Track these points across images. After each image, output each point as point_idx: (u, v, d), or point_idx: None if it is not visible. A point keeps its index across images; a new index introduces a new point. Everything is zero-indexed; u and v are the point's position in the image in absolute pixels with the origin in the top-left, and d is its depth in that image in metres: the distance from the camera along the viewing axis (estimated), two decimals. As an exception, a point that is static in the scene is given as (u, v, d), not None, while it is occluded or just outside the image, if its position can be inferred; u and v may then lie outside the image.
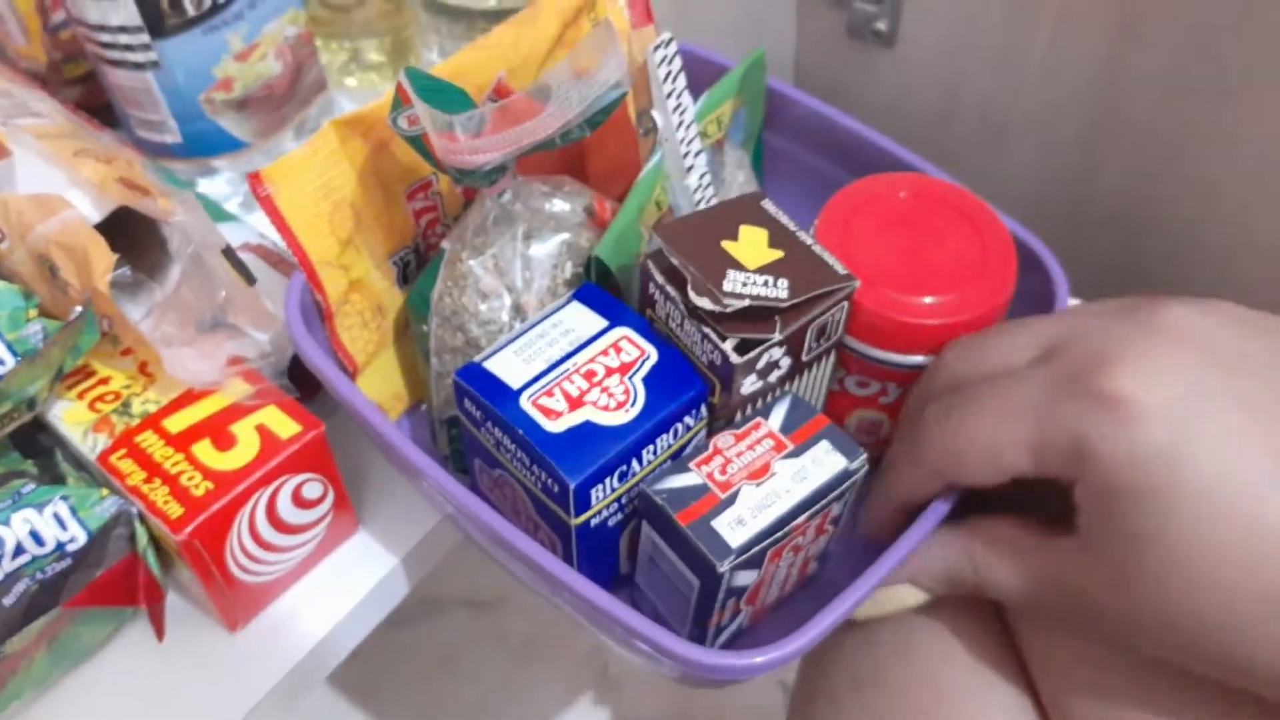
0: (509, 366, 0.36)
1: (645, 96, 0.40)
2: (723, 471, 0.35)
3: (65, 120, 0.49)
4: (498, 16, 0.57)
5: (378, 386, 0.44)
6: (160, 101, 0.54)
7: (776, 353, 0.35)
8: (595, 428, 0.34)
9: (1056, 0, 0.49)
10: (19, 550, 0.38)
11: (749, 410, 0.37)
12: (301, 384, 0.45)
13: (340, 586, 0.44)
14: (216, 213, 0.51)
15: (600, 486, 0.34)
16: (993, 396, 0.33)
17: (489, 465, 0.38)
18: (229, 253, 0.42)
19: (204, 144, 0.56)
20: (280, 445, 0.40)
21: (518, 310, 0.39)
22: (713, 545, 0.33)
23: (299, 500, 0.41)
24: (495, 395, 0.35)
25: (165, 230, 0.43)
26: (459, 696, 0.96)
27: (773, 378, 0.36)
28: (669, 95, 0.38)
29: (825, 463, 0.35)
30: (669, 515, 0.34)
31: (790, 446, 0.35)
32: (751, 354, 0.34)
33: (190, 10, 0.51)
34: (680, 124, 0.38)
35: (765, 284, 0.35)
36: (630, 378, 0.36)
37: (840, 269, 0.36)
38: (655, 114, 0.39)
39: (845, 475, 0.35)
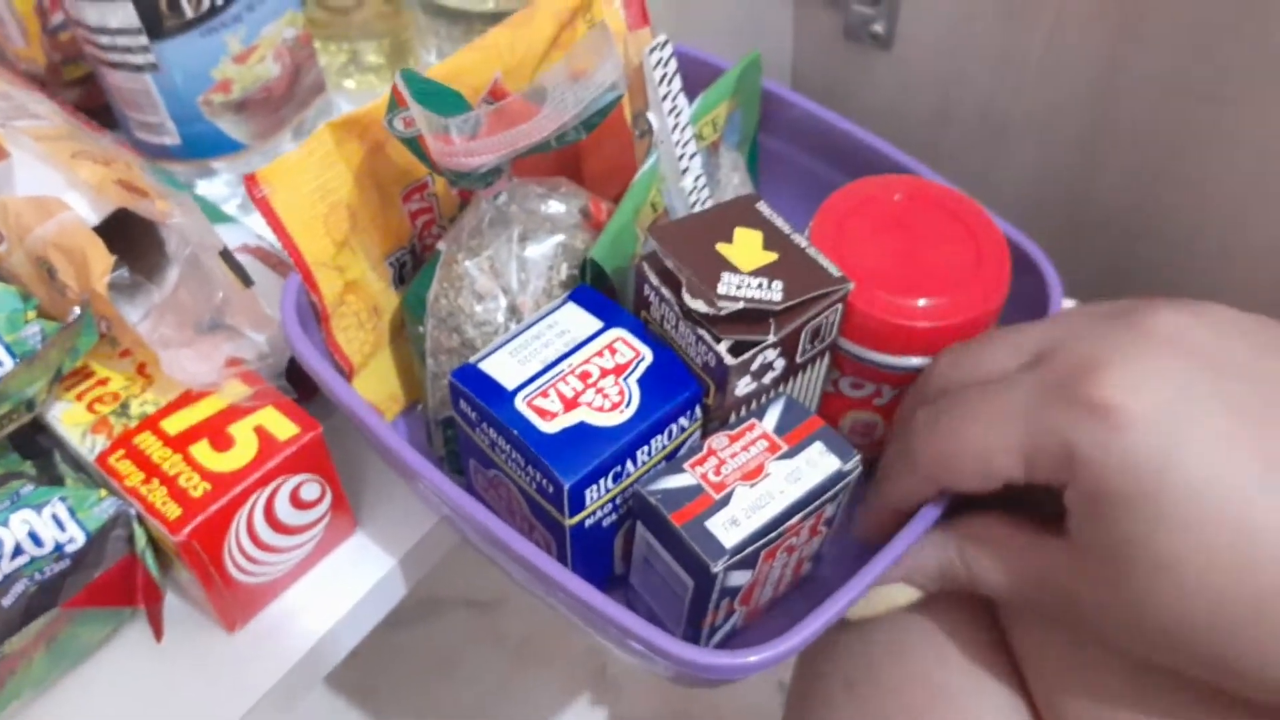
0: (504, 367, 0.36)
1: (641, 99, 0.40)
2: (717, 472, 0.35)
3: (64, 122, 0.49)
4: (496, 19, 0.57)
5: (374, 387, 0.44)
6: (159, 103, 0.54)
7: (771, 354, 0.35)
8: (590, 428, 0.34)
9: (1053, 3, 0.49)
10: (18, 551, 0.38)
11: (743, 411, 0.37)
12: (299, 385, 0.45)
13: (338, 587, 0.44)
14: (215, 214, 0.51)
15: (595, 487, 0.34)
16: (983, 402, 0.33)
17: (484, 466, 0.38)
18: (226, 255, 0.42)
19: (202, 146, 0.56)
20: (278, 446, 0.40)
21: (513, 312, 0.39)
22: (707, 545, 0.33)
23: (297, 501, 0.41)
24: (490, 396, 0.35)
25: (163, 232, 0.43)
26: (457, 697, 0.96)
27: (767, 379, 0.36)
28: (664, 97, 0.38)
29: (819, 464, 0.35)
30: (663, 515, 0.34)
31: (784, 448, 0.35)
32: (746, 356, 0.35)
33: (189, 12, 0.51)
34: (676, 126, 0.39)
35: (760, 286, 0.35)
36: (625, 379, 0.36)
37: (835, 271, 0.36)
38: (651, 116, 0.39)
39: (839, 476, 0.35)
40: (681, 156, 0.39)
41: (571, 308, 0.38)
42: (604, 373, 0.36)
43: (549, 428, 0.34)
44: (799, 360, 0.37)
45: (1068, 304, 0.42)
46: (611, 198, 0.42)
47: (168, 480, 0.39)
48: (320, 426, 0.41)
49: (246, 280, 0.42)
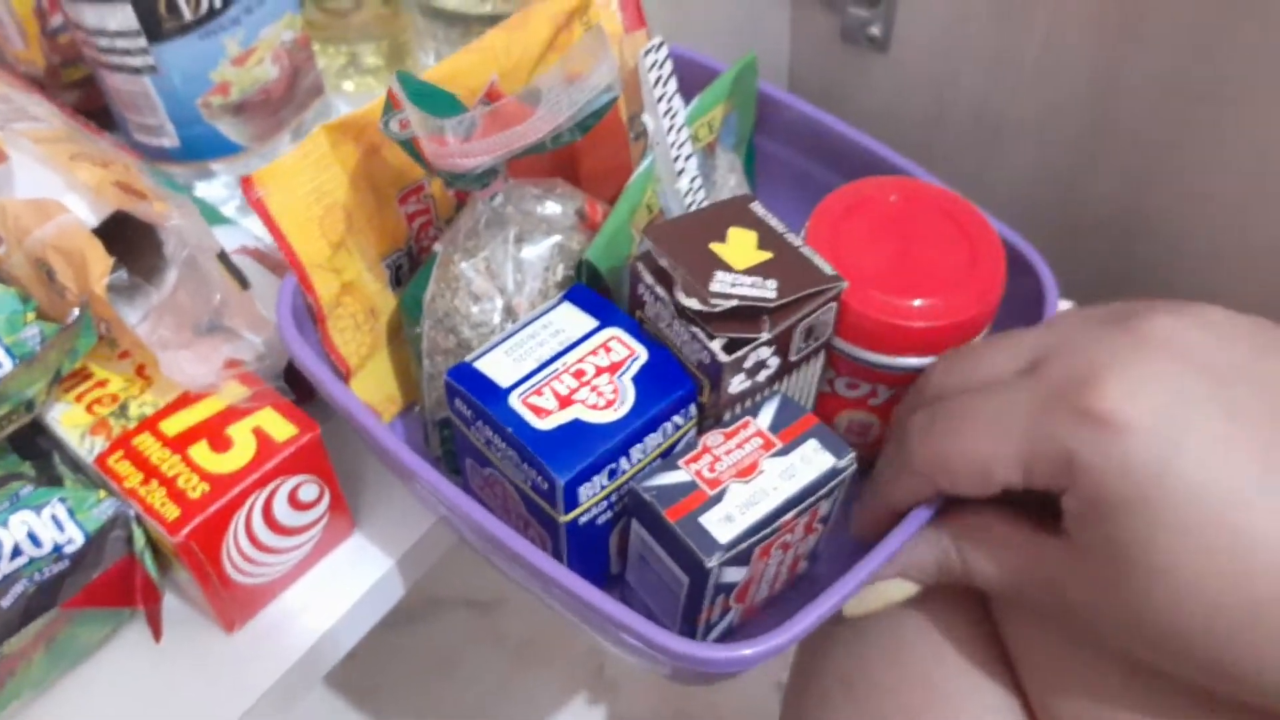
0: (499, 366, 0.36)
1: (637, 101, 0.40)
2: (711, 469, 0.35)
3: (62, 124, 0.49)
4: (493, 21, 0.57)
5: (371, 389, 0.44)
6: (157, 105, 0.54)
7: (764, 352, 0.36)
8: (584, 426, 0.35)
9: (1049, 4, 0.49)
10: (17, 552, 0.38)
11: (738, 409, 0.37)
12: (297, 387, 0.46)
13: (336, 588, 0.44)
14: (213, 216, 0.52)
15: (589, 484, 0.35)
16: (981, 408, 0.33)
17: (480, 464, 0.38)
18: (224, 257, 0.42)
19: (201, 148, 0.56)
20: (276, 448, 0.40)
21: (509, 312, 0.39)
22: (701, 541, 0.33)
23: (295, 502, 0.41)
24: (485, 394, 0.35)
25: (161, 234, 0.43)
26: (456, 697, 0.96)
27: (761, 377, 0.37)
28: (660, 99, 0.38)
29: (813, 461, 0.35)
30: (657, 512, 0.34)
31: (779, 445, 0.36)
32: (739, 353, 0.35)
33: (187, 15, 0.51)
34: (671, 128, 0.39)
35: (753, 284, 0.35)
36: (619, 377, 0.36)
37: (828, 269, 0.36)
38: (646, 118, 0.39)
39: (833, 473, 0.35)
40: (677, 158, 0.39)
41: (567, 307, 0.38)
42: (598, 371, 0.36)
43: (543, 425, 0.35)
44: (793, 359, 0.37)
45: (1064, 306, 0.42)
46: (607, 199, 0.42)
47: (166, 481, 0.39)
48: (318, 428, 0.41)
49: (244, 282, 0.43)
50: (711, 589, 0.34)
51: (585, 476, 0.34)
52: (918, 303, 0.38)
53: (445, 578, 1.02)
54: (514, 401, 0.35)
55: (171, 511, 0.38)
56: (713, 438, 0.36)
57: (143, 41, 0.51)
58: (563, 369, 0.36)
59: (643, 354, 0.37)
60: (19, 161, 0.45)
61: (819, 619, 0.33)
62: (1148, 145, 0.50)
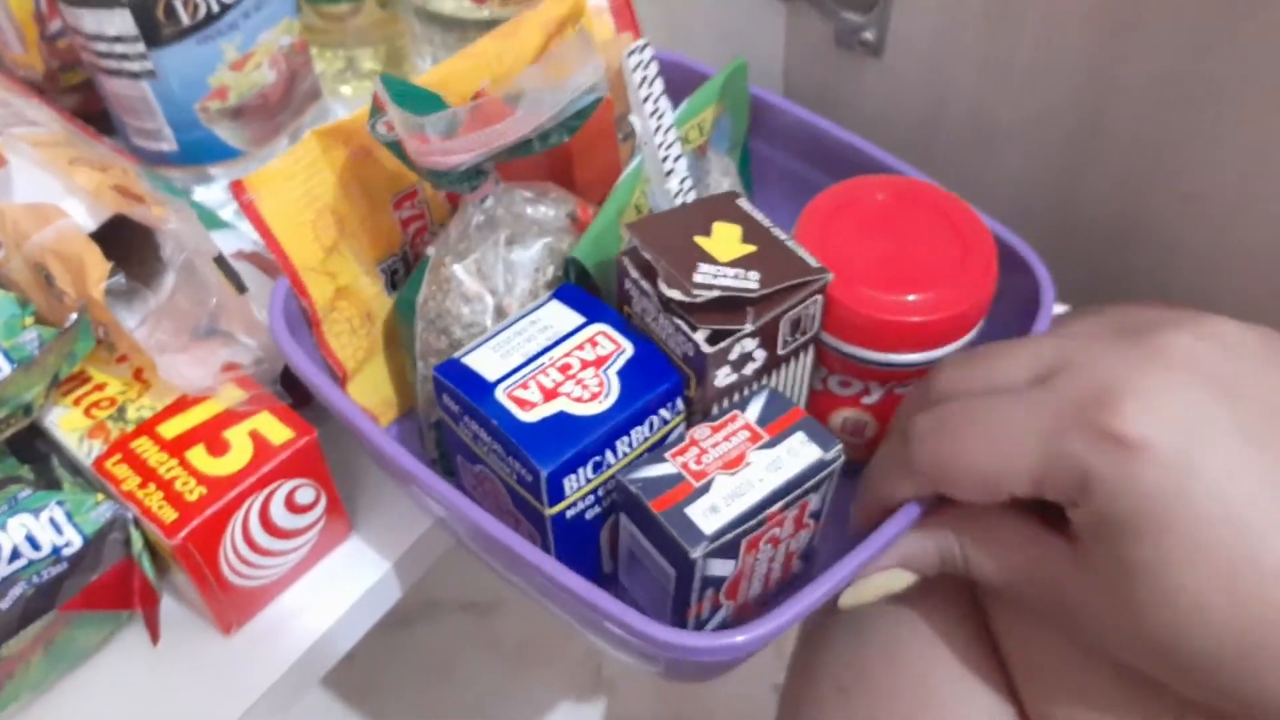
0: (486, 361, 0.37)
1: (625, 103, 0.40)
2: (698, 461, 0.35)
3: (61, 129, 0.49)
4: (490, 26, 0.58)
5: (369, 393, 0.44)
6: (156, 110, 0.54)
7: (749, 344, 0.36)
8: (569, 418, 0.35)
9: (1042, 7, 0.49)
10: (15, 554, 0.38)
11: (726, 404, 0.37)
12: (294, 390, 0.46)
13: (334, 590, 0.44)
14: (211, 220, 0.52)
15: (574, 476, 0.35)
16: (992, 418, 0.32)
17: (470, 461, 0.39)
18: (220, 261, 0.43)
19: (200, 152, 0.57)
20: (273, 451, 0.40)
21: (500, 313, 0.39)
22: (686, 532, 0.33)
23: (292, 505, 0.42)
24: (471, 388, 0.36)
25: (159, 238, 0.43)
26: (453, 699, 0.97)
27: (748, 370, 0.37)
28: (646, 100, 0.38)
29: (800, 453, 0.35)
30: (643, 503, 0.34)
31: (766, 437, 0.36)
32: (723, 344, 0.35)
33: (185, 20, 0.51)
34: (658, 128, 0.39)
35: (736, 276, 0.35)
36: (605, 370, 0.36)
37: (813, 262, 0.36)
38: (633, 119, 0.39)
39: (820, 465, 0.35)
40: (665, 159, 0.40)
41: (555, 305, 0.38)
42: (584, 365, 0.36)
43: (528, 417, 0.35)
44: (781, 353, 0.37)
45: (1059, 309, 0.42)
46: (602, 204, 0.42)
47: (164, 484, 0.39)
48: (315, 431, 0.41)
49: (240, 286, 0.43)
50: (699, 581, 0.34)
51: (569, 468, 0.34)
52: (908, 298, 0.38)
53: (442, 580, 1.02)
54: (499, 395, 0.35)
55: (169, 514, 0.38)
56: (700, 431, 0.36)
57: (141, 46, 0.51)
58: (549, 363, 0.36)
59: (629, 348, 0.37)
60: (18, 166, 0.45)
61: (810, 606, 0.33)
62: (1143, 147, 0.50)
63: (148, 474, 0.40)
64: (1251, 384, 0.30)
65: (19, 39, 0.59)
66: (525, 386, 0.36)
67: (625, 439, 0.36)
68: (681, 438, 0.36)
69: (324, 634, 0.43)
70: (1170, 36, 0.46)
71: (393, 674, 0.98)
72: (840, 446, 0.36)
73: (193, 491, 0.39)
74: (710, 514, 0.34)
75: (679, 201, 0.41)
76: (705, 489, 0.34)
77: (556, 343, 0.37)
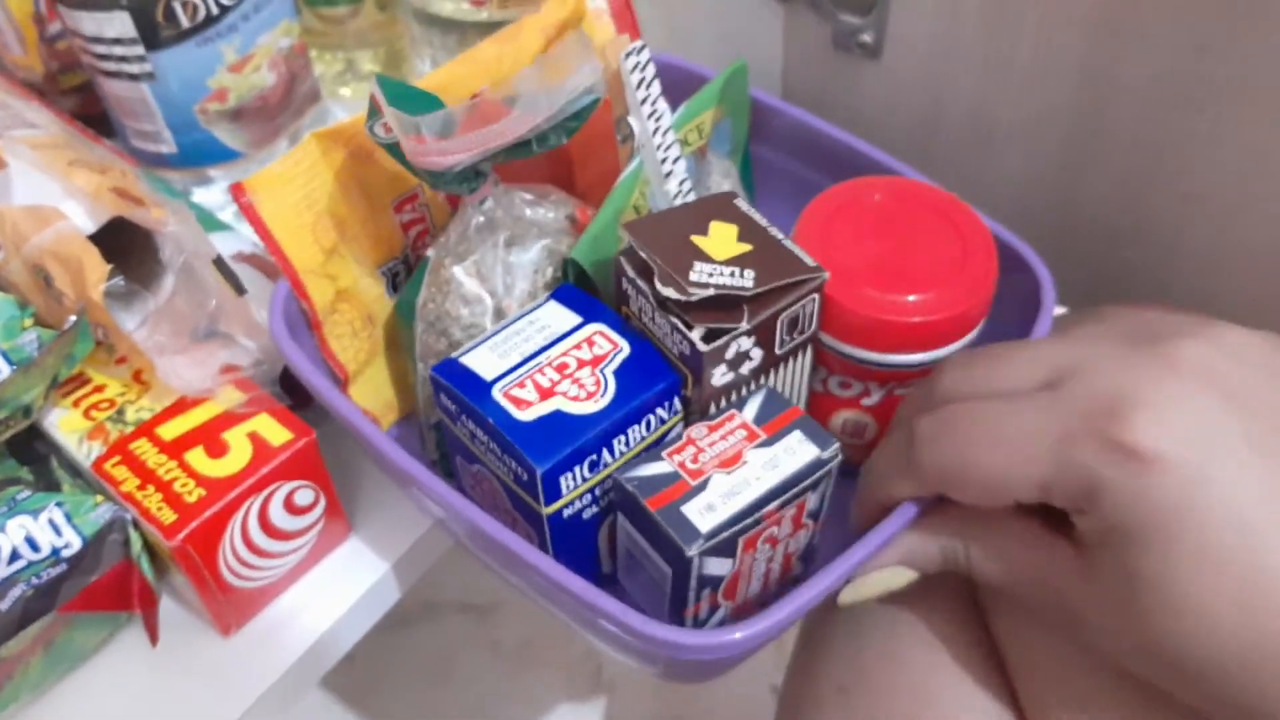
0: (484, 361, 0.37)
1: (623, 104, 0.40)
2: (694, 460, 0.35)
3: (60, 131, 0.49)
4: (489, 28, 0.58)
5: (370, 395, 0.44)
6: (155, 112, 0.54)
7: (745, 343, 0.36)
8: (565, 416, 0.35)
9: (1040, 8, 0.49)
10: (14, 556, 0.38)
11: (723, 403, 0.37)
12: (293, 392, 0.46)
13: (333, 591, 0.44)
14: (210, 222, 0.52)
15: (570, 474, 0.35)
16: (1000, 423, 0.32)
17: (468, 461, 0.39)
18: (220, 263, 0.43)
19: (199, 154, 0.57)
20: (272, 452, 0.40)
21: (499, 314, 0.39)
22: (682, 530, 0.33)
23: (291, 507, 0.42)
24: (469, 387, 0.36)
25: (158, 240, 0.43)
26: (453, 700, 0.97)
27: (744, 369, 0.37)
28: (643, 101, 0.38)
29: (797, 451, 0.35)
30: (639, 502, 0.34)
31: (763, 436, 0.36)
32: (719, 343, 0.35)
33: (184, 22, 0.51)
34: (656, 130, 0.39)
35: (732, 274, 0.35)
36: (601, 369, 0.36)
37: (809, 260, 0.36)
38: (632, 120, 0.39)
39: (817, 464, 0.35)
40: (664, 160, 0.40)
41: (553, 305, 0.38)
42: (581, 364, 0.36)
43: (524, 416, 0.35)
44: (778, 352, 0.37)
45: (1058, 311, 0.42)
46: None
47: (163, 486, 0.39)
48: (314, 433, 0.41)
49: (239, 288, 0.43)
50: (695, 580, 0.34)
51: (565, 466, 0.34)
52: (908, 298, 0.38)
53: (441, 581, 1.02)
54: (496, 394, 0.35)
55: (168, 516, 0.38)
56: (697, 429, 0.36)
57: (140, 49, 0.51)
58: (546, 363, 0.36)
59: (626, 348, 0.37)
60: (17, 168, 0.45)
61: (808, 603, 0.33)
62: (1143, 147, 0.50)
63: (147, 475, 0.40)
64: (1259, 395, 0.30)
65: (18, 41, 0.59)
66: (522, 386, 0.36)
67: (622, 438, 0.36)
68: (679, 437, 0.36)
69: (323, 635, 0.43)
70: (1169, 36, 0.46)
71: (392, 675, 0.98)
72: (838, 445, 0.36)
73: (192, 493, 0.39)
74: (706, 512, 0.34)
75: (678, 203, 0.41)
76: (702, 487, 0.34)
77: (554, 342, 0.37)
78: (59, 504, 0.40)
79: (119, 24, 0.50)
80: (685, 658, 0.33)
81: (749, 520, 0.34)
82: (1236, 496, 0.28)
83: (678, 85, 0.45)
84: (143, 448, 0.41)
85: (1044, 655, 0.38)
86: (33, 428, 0.43)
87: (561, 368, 0.36)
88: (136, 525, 0.40)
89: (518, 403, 0.35)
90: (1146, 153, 0.51)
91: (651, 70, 0.38)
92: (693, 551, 0.33)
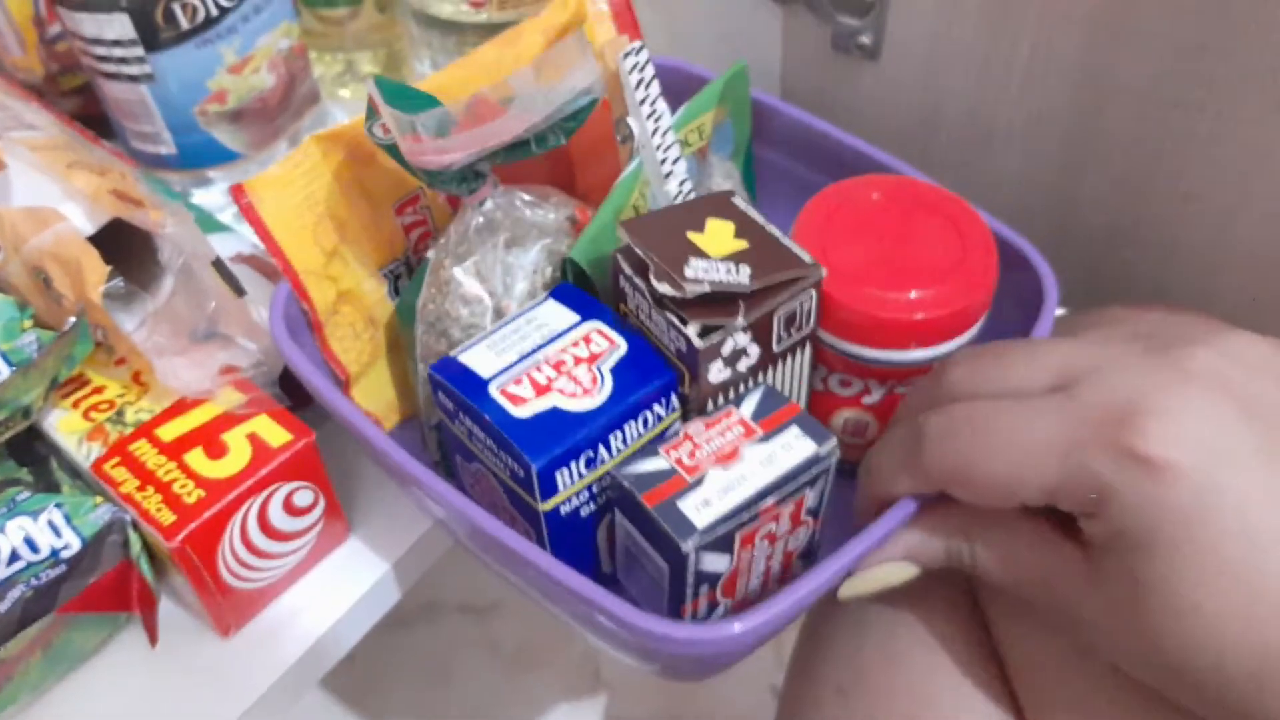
0: (481, 359, 0.37)
1: (622, 105, 0.40)
2: (691, 456, 0.35)
3: (59, 132, 0.49)
4: (488, 30, 0.58)
5: (372, 397, 0.44)
6: (155, 113, 0.54)
7: (742, 339, 0.36)
8: (561, 413, 0.35)
9: (1038, 10, 0.49)
10: (14, 557, 0.38)
11: (721, 400, 0.37)
12: (293, 393, 0.46)
13: (332, 592, 0.44)
14: (210, 224, 0.52)
15: (566, 470, 0.35)
16: (1008, 425, 0.32)
17: (466, 460, 0.39)
18: (219, 264, 0.43)
19: (198, 155, 0.57)
20: (271, 454, 0.40)
21: (499, 315, 0.39)
22: (678, 525, 0.33)
23: (290, 508, 0.42)
24: (466, 385, 0.36)
25: (158, 241, 0.43)
26: (452, 701, 0.97)
27: (742, 366, 0.37)
28: (642, 102, 0.38)
29: (794, 447, 0.35)
30: (635, 497, 0.34)
31: (760, 433, 0.36)
32: (715, 338, 0.35)
33: (184, 24, 0.51)
34: (656, 130, 0.39)
35: (728, 270, 0.35)
36: (598, 366, 0.36)
37: (806, 257, 0.36)
38: (631, 120, 0.39)
39: (815, 460, 0.35)
40: (664, 161, 0.40)
41: (552, 304, 0.38)
42: (577, 361, 0.36)
43: (520, 413, 0.35)
44: (776, 350, 0.37)
45: (1059, 312, 0.42)
46: (603, 209, 0.42)
47: (162, 487, 0.39)
48: (313, 434, 0.41)
49: (238, 289, 0.43)
50: (692, 577, 0.34)
51: (560, 462, 0.34)
52: (908, 295, 0.38)
53: (441, 582, 1.02)
54: (493, 391, 0.36)
55: (167, 517, 0.38)
56: (694, 426, 0.36)
57: (140, 50, 0.51)
58: (543, 360, 0.36)
59: (622, 345, 0.37)
60: (16, 170, 0.45)
61: (807, 595, 0.32)
62: (1142, 147, 0.50)
63: (146, 477, 0.40)
64: (1270, 404, 0.30)
65: (18, 42, 0.59)
66: (518, 382, 0.36)
67: (618, 434, 0.36)
68: (676, 434, 0.36)
69: (322, 636, 0.43)
70: (1169, 36, 0.46)
71: (392, 675, 0.98)
72: (835, 441, 0.35)
73: (191, 494, 0.39)
74: (703, 507, 0.34)
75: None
76: (698, 483, 0.34)
77: (551, 340, 0.37)
78: (58, 505, 0.40)
79: (119, 26, 0.50)
80: (683, 652, 0.33)
81: (746, 515, 0.34)
82: (1247, 506, 0.28)
83: (678, 88, 0.45)
84: (142, 449, 0.41)
85: (1044, 657, 0.38)
86: (32, 429, 0.43)
87: (558, 365, 0.36)
88: (136, 526, 0.40)
89: (514, 399, 0.35)
90: (1146, 153, 0.51)
91: (650, 70, 0.38)
92: (689, 546, 0.33)
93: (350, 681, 0.96)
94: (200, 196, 0.58)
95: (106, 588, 0.40)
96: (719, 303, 0.35)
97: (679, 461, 0.35)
